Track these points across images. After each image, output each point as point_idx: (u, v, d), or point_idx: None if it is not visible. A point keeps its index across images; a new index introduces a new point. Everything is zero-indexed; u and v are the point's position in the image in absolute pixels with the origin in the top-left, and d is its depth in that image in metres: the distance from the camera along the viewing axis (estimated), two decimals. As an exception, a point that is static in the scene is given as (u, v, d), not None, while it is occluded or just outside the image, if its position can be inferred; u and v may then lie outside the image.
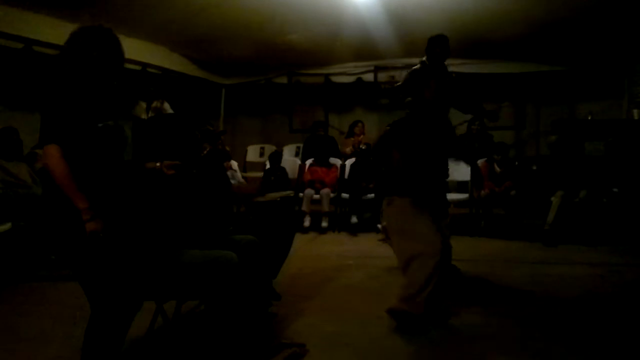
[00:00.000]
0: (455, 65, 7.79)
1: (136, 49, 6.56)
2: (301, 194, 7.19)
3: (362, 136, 8.19)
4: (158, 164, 2.85)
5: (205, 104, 8.91)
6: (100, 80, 2.38)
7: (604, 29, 6.70)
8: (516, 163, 7.19)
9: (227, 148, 7.40)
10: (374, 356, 3.02)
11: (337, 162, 7.73)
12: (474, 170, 6.05)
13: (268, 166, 7.87)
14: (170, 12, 5.83)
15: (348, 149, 7.93)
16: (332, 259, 5.40)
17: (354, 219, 6.95)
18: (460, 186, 6.99)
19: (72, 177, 2.22)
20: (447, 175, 3.86)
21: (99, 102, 2.35)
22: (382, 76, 8.97)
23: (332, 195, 7.17)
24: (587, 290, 4.22)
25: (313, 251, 5.86)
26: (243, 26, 6.44)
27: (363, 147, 7.52)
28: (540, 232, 6.00)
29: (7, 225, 4.66)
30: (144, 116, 5.57)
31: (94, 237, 2.24)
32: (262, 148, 9.36)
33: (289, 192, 5.60)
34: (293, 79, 9.31)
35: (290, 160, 8.38)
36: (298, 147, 8.93)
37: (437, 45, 4.77)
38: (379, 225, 6.47)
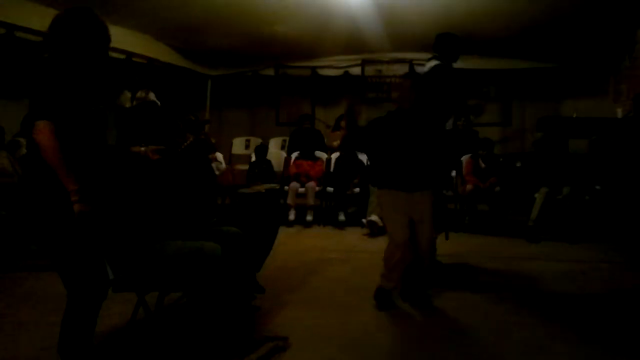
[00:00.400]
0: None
1: (121, 38, 6.46)
2: (286, 187, 7.17)
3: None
4: (143, 149, 2.82)
5: (191, 95, 8.84)
6: (84, 60, 2.34)
7: (591, 28, 6.75)
8: (501, 159, 7.23)
9: (213, 140, 7.35)
10: (357, 349, 3.02)
11: (322, 155, 7.71)
12: (458, 166, 6.08)
13: (254, 159, 7.84)
14: (157, 1, 5.76)
15: (335, 143, 7.92)
16: (316, 253, 5.39)
17: (342, 217, 6.95)
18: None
19: (62, 156, 2.18)
20: (428, 171, 3.83)
21: (86, 84, 2.31)
22: (370, 70, 8.98)
23: (317, 188, 7.15)
24: (568, 285, 4.26)
25: (298, 245, 5.85)
26: (230, 16, 6.38)
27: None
28: (523, 228, 6.04)
29: (-13, 214, 4.60)
30: (128, 105, 5.51)
31: (82, 217, 2.20)
32: (248, 140, 9.31)
33: (275, 185, 5.57)
34: (280, 71, 9.28)
35: (276, 153, 8.35)
36: (284, 140, 8.89)
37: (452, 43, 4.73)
38: (364, 220, 6.49)
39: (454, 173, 6.19)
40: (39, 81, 2.24)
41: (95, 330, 2.43)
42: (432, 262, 3.87)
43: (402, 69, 8.87)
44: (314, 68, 9.09)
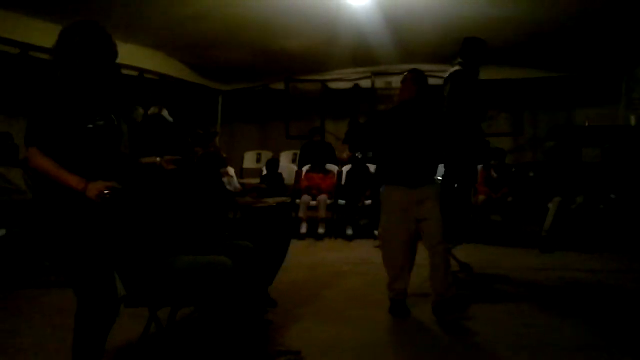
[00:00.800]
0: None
1: (133, 55, 6.55)
2: (298, 201, 7.17)
3: (359, 142, 8.17)
4: (158, 160, 2.83)
5: (202, 110, 8.90)
6: (88, 73, 2.35)
7: (602, 36, 6.72)
8: (513, 169, 7.18)
9: (224, 154, 7.37)
10: (370, 363, 2.99)
11: (334, 168, 7.71)
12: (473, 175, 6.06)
13: (265, 173, 7.85)
14: (168, 18, 5.82)
15: (345, 154, 7.91)
16: (328, 266, 5.37)
17: (350, 231, 6.93)
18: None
19: (58, 165, 2.19)
20: (431, 165, 3.83)
21: (88, 99, 2.32)
22: (380, 82, 8.98)
23: (329, 201, 7.15)
24: (584, 296, 4.20)
25: (310, 258, 5.84)
26: (240, 32, 6.44)
27: (358, 155, 7.50)
28: (537, 239, 5.99)
29: (1, 232, 4.63)
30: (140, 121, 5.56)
31: (102, 199, 2.20)
32: (259, 154, 9.35)
33: (286, 198, 5.58)
34: (290, 85, 9.32)
35: (287, 166, 8.37)
36: (295, 154, 8.91)
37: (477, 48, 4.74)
38: (376, 232, 6.46)
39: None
40: (33, 105, 2.26)
41: (107, 347, 2.42)
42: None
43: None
44: (324, 81, 9.13)
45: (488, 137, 7.75)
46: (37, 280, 4.68)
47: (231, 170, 7.63)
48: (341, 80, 9.05)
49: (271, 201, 4.54)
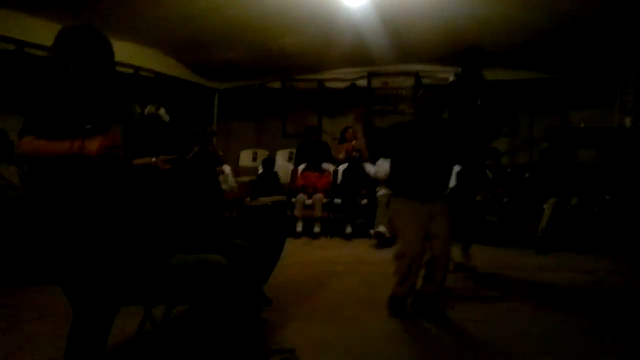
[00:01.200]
0: (448, 72, 7.84)
1: (129, 52, 6.53)
2: (294, 199, 7.17)
3: (353, 142, 8.18)
4: (154, 159, 2.83)
5: (198, 108, 8.88)
6: (83, 77, 2.34)
7: (597, 38, 6.73)
8: (508, 170, 7.20)
9: (220, 153, 7.37)
10: (364, 362, 2.99)
11: (329, 167, 7.72)
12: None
13: (261, 171, 7.85)
14: (164, 16, 5.80)
15: (341, 155, 7.92)
16: (324, 265, 5.37)
17: (349, 229, 6.94)
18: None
19: (44, 140, 2.17)
20: (446, 182, 3.88)
21: (84, 102, 2.31)
22: (376, 82, 9.00)
23: (324, 200, 7.15)
24: (579, 296, 4.22)
25: (305, 256, 5.83)
26: (237, 30, 6.42)
27: (355, 155, 7.52)
28: (532, 239, 6.00)
29: (-4, 229, 4.61)
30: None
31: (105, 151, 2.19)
32: (255, 153, 9.34)
33: (281, 197, 5.57)
34: (287, 83, 9.32)
35: (283, 165, 8.37)
36: (291, 153, 8.90)
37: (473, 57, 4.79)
38: (372, 231, 6.47)
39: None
40: (31, 102, 2.25)
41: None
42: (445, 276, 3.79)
43: (408, 81, 8.90)
44: (320, 81, 9.13)
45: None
46: (32, 277, 4.66)
47: (227, 169, 7.63)
48: (338, 79, 9.05)
49: (267, 200, 4.54)
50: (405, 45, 7.12)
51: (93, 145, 2.16)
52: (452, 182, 4.27)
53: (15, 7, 5.25)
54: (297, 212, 7.08)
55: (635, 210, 5.92)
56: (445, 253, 3.70)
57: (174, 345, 3.06)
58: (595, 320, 3.63)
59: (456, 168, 4.38)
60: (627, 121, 7.39)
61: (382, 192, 6.82)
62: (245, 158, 9.36)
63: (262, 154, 9.01)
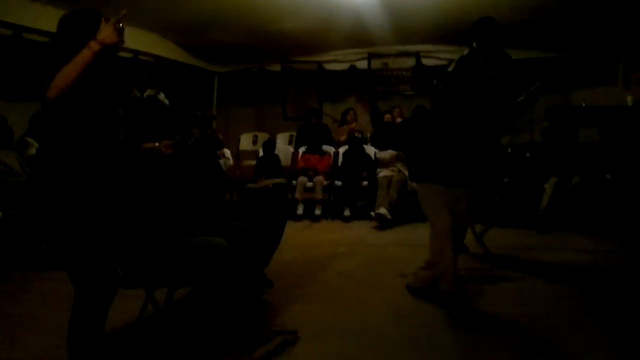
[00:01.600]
0: (449, 52, 7.79)
1: (128, 36, 6.46)
2: (294, 182, 7.17)
3: (354, 124, 8.17)
4: (157, 144, 2.83)
5: (198, 92, 8.85)
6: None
7: (598, 16, 6.67)
8: (509, 150, 7.18)
9: (220, 136, 7.35)
10: (366, 341, 3.01)
11: (330, 149, 7.71)
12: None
13: (261, 154, 7.84)
14: (163, -1, 5.77)
15: (342, 137, 7.91)
16: (325, 247, 5.39)
17: (347, 212, 6.94)
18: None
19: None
20: (472, 167, 3.79)
21: (92, 84, 2.30)
22: (376, 63, 8.94)
23: (325, 183, 7.15)
24: (580, 275, 4.23)
25: (306, 239, 5.85)
26: (235, 13, 6.37)
27: (358, 135, 7.50)
28: (533, 219, 6.00)
29: (-3, 214, 4.63)
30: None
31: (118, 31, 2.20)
32: (256, 136, 9.32)
33: (282, 179, 5.57)
34: (286, 66, 9.26)
35: (283, 148, 8.35)
36: (291, 135, 8.88)
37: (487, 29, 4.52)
38: (372, 213, 6.48)
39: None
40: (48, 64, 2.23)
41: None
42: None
43: (408, 62, 8.84)
44: (320, 63, 9.07)
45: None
46: (33, 262, 4.69)
47: (227, 152, 7.63)
48: (337, 61, 8.99)
49: (268, 182, 4.54)
50: (405, 25, 7.06)
51: (107, 35, 2.18)
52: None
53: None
54: (297, 195, 7.09)
55: (636, 189, 5.91)
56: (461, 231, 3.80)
57: (176, 328, 3.08)
58: (596, 300, 3.65)
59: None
60: (629, 100, 7.35)
61: (382, 173, 6.82)
62: (246, 141, 9.34)
63: (263, 137, 8.99)
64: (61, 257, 2.33)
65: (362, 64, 8.92)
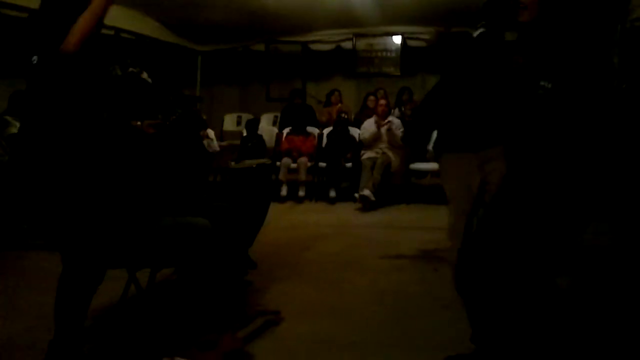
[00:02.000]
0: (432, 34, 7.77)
1: (109, 13, 6.35)
2: (278, 163, 7.15)
3: (339, 105, 8.15)
4: (139, 123, 2.80)
5: (181, 71, 8.73)
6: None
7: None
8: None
9: (204, 117, 7.29)
10: (350, 321, 3.03)
11: (314, 131, 7.68)
12: None
13: (245, 134, 7.80)
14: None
15: (326, 118, 7.88)
16: (309, 228, 5.40)
17: (332, 193, 6.94)
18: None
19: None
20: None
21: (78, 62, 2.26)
22: (361, 44, 8.89)
23: (309, 164, 7.13)
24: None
25: (290, 220, 5.85)
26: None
27: (344, 116, 7.47)
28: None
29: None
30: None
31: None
32: (239, 117, 9.26)
33: (266, 160, 5.55)
34: (271, 46, 9.17)
35: (267, 129, 8.31)
36: (276, 116, 8.83)
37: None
38: (356, 195, 6.48)
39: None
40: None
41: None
42: None
43: (394, 43, 8.80)
44: (305, 43, 8.99)
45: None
46: (19, 243, 4.62)
47: (211, 133, 7.56)
48: (322, 41, 8.92)
49: (251, 162, 4.51)
50: (391, 6, 7.02)
51: None
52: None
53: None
54: (281, 176, 7.07)
55: (617, 173, 5.96)
56: None
57: (159, 309, 3.07)
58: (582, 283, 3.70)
59: None
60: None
61: (366, 155, 6.82)
62: (229, 122, 9.29)
63: (247, 118, 8.93)
64: (47, 236, 2.31)
65: (347, 45, 8.87)
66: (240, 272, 3.43)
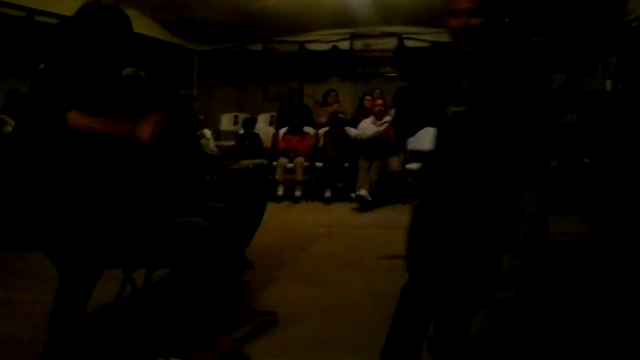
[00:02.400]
0: (432, 34, 7.78)
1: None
2: (275, 163, 7.14)
3: (335, 105, 8.14)
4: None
5: (178, 71, 8.72)
6: (104, 53, 2.32)
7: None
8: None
9: (201, 116, 7.27)
10: (347, 322, 3.02)
11: (311, 130, 7.67)
12: None
13: (242, 132, 7.78)
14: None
15: (323, 118, 7.87)
16: (305, 228, 5.39)
17: (328, 193, 6.93)
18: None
19: (97, 117, 2.15)
20: None
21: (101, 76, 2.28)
22: (358, 44, 8.89)
23: (306, 164, 7.13)
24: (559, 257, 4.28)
25: (286, 220, 5.84)
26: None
27: (341, 117, 7.47)
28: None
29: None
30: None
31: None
32: (236, 116, 9.25)
33: (262, 160, 5.54)
34: (268, 46, 9.17)
35: (264, 129, 8.30)
36: (272, 116, 8.83)
37: None
38: (353, 195, 6.48)
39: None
40: (58, 71, 2.19)
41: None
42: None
43: (391, 43, 8.80)
44: (302, 43, 8.99)
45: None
46: (12, 242, 4.60)
47: (208, 133, 7.55)
48: (319, 41, 8.92)
49: (248, 162, 4.50)
50: (388, 6, 7.03)
51: (144, 133, 2.19)
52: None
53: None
54: (278, 176, 7.06)
55: (614, 172, 5.98)
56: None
57: (155, 309, 3.06)
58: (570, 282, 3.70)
59: None
60: (608, 84, 7.42)
61: (363, 155, 6.81)
62: (227, 122, 9.27)
63: (243, 117, 8.91)
64: (41, 241, 2.30)
65: (344, 45, 8.87)
66: (236, 273, 3.42)
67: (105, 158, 2.48)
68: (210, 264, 2.71)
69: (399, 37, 8.62)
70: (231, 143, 8.06)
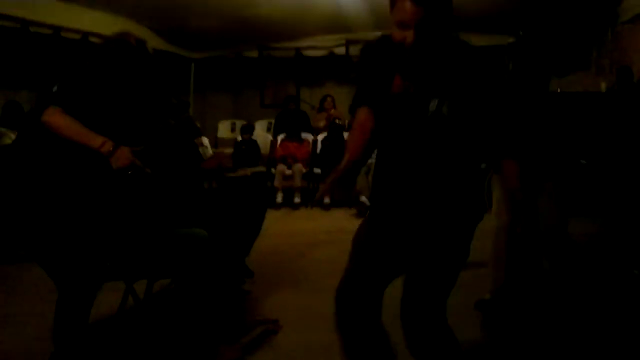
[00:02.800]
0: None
1: (100, 22, 6.34)
2: (273, 170, 7.15)
3: (332, 110, 8.16)
4: None
5: (174, 79, 8.72)
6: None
7: (573, 1, 6.73)
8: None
9: (198, 124, 7.27)
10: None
11: (309, 137, 7.69)
12: None
13: (239, 139, 7.79)
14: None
15: (321, 124, 7.89)
16: (305, 235, 5.39)
17: (326, 200, 6.94)
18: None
19: (79, 123, 2.14)
20: None
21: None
22: (354, 50, 8.89)
23: (304, 170, 7.14)
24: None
25: (286, 227, 5.84)
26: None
27: (338, 122, 7.48)
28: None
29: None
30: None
31: (123, 173, 2.20)
32: (234, 124, 9.26)
33: (261, 168, 5.55)
34: (264, 52, 9.18)
35: (262, 135, 8.32)
36: (270, 123, 8.85)
37: None
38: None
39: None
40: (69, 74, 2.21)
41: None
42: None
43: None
44: (298, 49, 9.00)
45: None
46: (9, 255, 4.59)
47: (205, 140, 7.54)
48: (315, 47, 8.94)
49: (246, 171, 4.51)
50: (383, 11, 7.03)
51: (119, 161, 2.18)
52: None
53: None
54: (277, 183, 7.07)
55: (610, 174, 5.99)
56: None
57: (157, 320, 3.06)
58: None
59: None
60: (603, 86, 7.45)
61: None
62: (224, 129, 9.28)
63: (241, 124, 8.93)
64: (39, 255, 2.30)
65: (340, 50, 8.88)
66: (237, 281, 3.43)
67: (105, 170, 2.49)
68: (212, 273, 2.72)
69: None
70: (229, 150, 8.08)
